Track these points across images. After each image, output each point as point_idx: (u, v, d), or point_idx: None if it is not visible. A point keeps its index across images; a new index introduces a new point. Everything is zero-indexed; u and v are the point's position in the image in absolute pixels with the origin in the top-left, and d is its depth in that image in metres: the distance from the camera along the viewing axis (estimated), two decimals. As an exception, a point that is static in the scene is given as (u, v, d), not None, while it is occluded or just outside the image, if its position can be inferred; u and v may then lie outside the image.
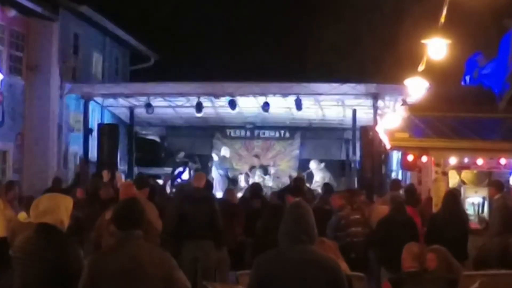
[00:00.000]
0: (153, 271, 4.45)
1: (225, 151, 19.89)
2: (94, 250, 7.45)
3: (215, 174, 19.34)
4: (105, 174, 14.16)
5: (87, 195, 11.52)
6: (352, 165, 19.44)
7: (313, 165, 18.95)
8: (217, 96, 17.66)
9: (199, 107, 17.74)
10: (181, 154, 20.46)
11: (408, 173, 16.60)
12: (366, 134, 16.80)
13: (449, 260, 6.77)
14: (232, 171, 19.95)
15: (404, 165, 14.95)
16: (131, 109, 19.73)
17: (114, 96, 18.79)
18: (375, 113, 16.93)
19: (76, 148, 18.77)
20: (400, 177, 17.40)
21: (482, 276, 6.66)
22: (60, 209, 5.03)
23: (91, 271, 4.50)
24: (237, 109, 17.86)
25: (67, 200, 5.20)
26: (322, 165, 19.08)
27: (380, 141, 15.03)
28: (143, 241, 4.60)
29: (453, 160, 12.88)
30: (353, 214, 10.05)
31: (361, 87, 17.22)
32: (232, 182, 19.09)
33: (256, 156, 20.92)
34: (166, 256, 4.60)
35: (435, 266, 6.62)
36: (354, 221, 9.91)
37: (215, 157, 20.10)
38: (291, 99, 17.36)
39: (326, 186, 14.47)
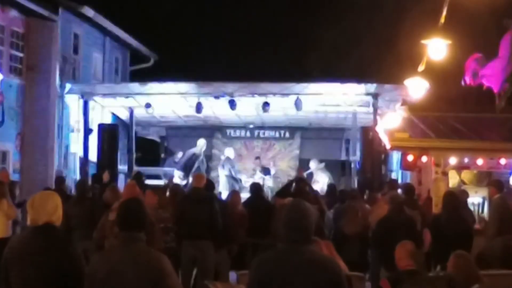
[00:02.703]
0: (139, 276, 4.40)
1: (229, 152, 19.89)
2: (96, 250, 7.44)
3: (221, 174, 19.35)
4: (105, 176, 14.13)
5: (77, 194, 11.54)
6: (352, 165, 19.42)
7: (313, 165, 18.93)
8: (217, 96, 17.64)
9: (199, 107, 17.72)
10: (180, 154, 20.44)
11: (408, 173, 16.60)
12: (366, 134, 16.79)
13: (471, 268, 6.56)
14: (236, 171, 19.90)
15: (404, 165, 14.97)
16: (131, 109, 19.72)
17: (114, 96, 18.76)
18: (375, 113, 16.91)
19: (76, 148, 18.77)
20: (400, 177, 17.40)
21: (483, 276, 6.64)
22: (60, 208, 5.01)
23: (88, 272, 4.55)
24: (237, 109, 17.84)
25: (59, 198, 5.16)
26: (322, 165, 19.07)
27: (380, 141, 15.05)
28: (143, 243, 4.56)
29: (453, 160, 12.91)
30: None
31: (361, 87, 17.20)
32: (236, 182, 19.08)
33: (257, 156, 20.90)
34: (159, 261, 4.51)
35: (453, 272, 6.53)
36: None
37: (223, 156, 20.11)
38: (291, 99, 17.35)
39: (330, 187, 14.49)
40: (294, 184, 12.44)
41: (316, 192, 13.28)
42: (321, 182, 18.05)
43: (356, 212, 11.12)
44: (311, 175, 18.43)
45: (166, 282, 4.48)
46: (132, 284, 4.41)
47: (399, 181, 15.87)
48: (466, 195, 12.58)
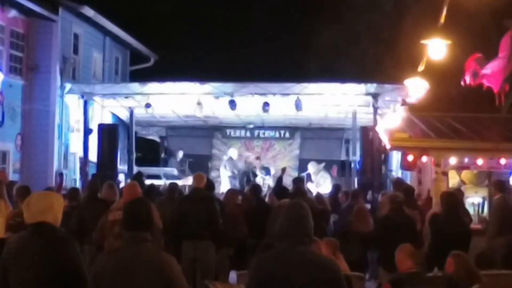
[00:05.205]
0: (150, 277, 4.40)
1: (232, 152, 19.87)
2: (96, 251, 7.41)
3: (222, 174, 19.33)
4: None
5: (88, 195, 11.46)
6: (352, 165, 19.41)
7: (311, 168, 18.73)
8: (217, 96, 17.65)
9: (199, 107, 17.73)
10: (180, 153, 20.46)
11: (408, 173, 16.60)
12: (366, 134, 16.79)
13: (469, 267, 6.60)
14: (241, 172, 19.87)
15: (404, 165, 14.94)
16: (131, 109, 19.72)
17: (114, 96, 18.77)
18: (375, 113, 16.91)
19: (76, 148, 18.77)
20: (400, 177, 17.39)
21: (483, 276, 6.64)
22: (56, 207, 4.98)
23: (95, 272, 4.52)
24: (237, 109, 17.84)
25: (60, 198, 5.14)
26: (322, 165, 19.00)
27: (380, 141, 15.03)
28: (149, 244, 4.55)
29: (453, 160, 12.87)
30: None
31: (361, 87, 17.20)
32: (240, 182, 19.05)
33: (257, 156, 20.89)
34: (169, 263, 4.52)
35: (452, 271, 6.53)
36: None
37: (225, 156, 20.09)
38: (291, 99, 17.35)
39: (335, 186, 14.50)
40: (292, 184, 12.44)
41: (317, 192, 13.27)
42: (324, 184, 17.96)
43: (366, 212, 11.06)
44: (308, 176, 18.37)
45: (176, 284, 4.48)
46: (142, 285, 4.40)
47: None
48: (461, 194, 12.55)
